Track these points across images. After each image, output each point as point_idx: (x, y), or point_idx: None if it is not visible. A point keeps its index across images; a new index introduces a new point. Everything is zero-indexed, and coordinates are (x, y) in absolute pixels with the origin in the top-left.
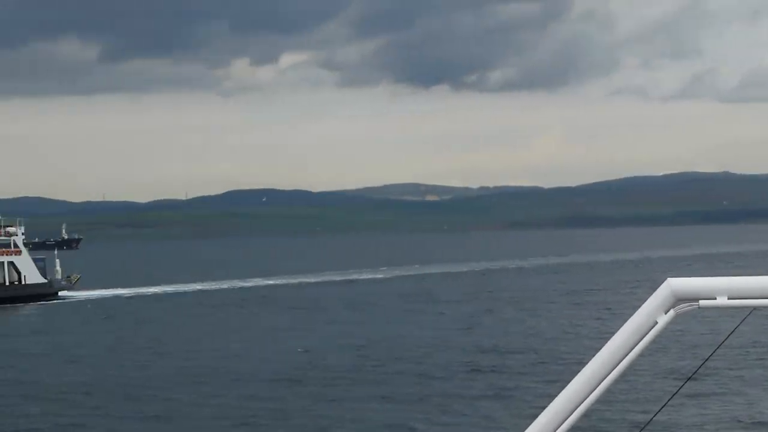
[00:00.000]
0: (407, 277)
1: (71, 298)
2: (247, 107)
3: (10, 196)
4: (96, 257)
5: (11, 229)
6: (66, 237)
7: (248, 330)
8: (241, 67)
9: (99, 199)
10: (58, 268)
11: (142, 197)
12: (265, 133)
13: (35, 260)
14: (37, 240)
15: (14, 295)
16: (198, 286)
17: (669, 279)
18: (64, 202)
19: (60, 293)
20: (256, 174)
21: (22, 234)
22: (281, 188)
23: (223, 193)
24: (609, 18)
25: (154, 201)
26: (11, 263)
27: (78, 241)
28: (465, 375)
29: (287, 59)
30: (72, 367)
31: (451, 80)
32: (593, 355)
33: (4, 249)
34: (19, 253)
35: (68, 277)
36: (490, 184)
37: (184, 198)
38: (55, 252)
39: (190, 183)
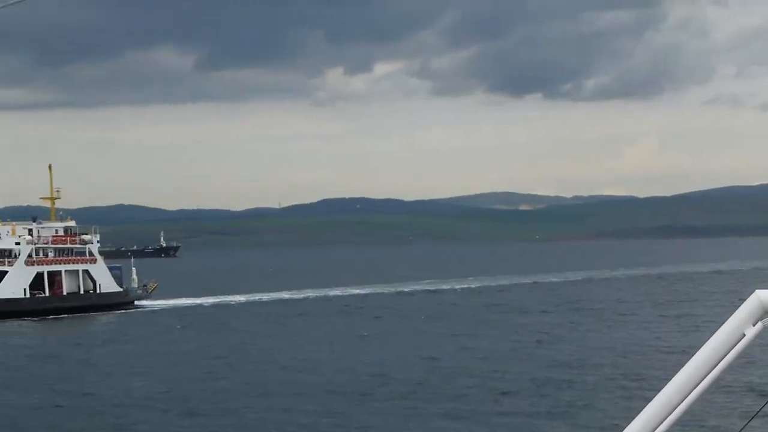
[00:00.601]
0: (493, 287)
1: (148, 307)
2: (341, 116)
3: (107, 204)
4: (192, 265)
5: (86, 237)
6: (164, 245)
7: (325, 340)
8: (335, 76)
9: (194, 207)
10: (134, 276)
11: (237, 205)
12: (358, 142)
13: (112, 268)
14: (135, 248)
15: (89, 303)
16: (284, 295)
17: (757, 291)
18: (160, 210)
19: (136, 302)
20: (349, 183)
21: (98, 242)
22: (374, 197)
23: (317, 202)
24: (705, 26)
25: (249, 209)
26: (86, 271)
27: (176, 248)
28: (538, 390)
29: (381, 68)
30: (138, 379)
31: (545, 89)
32: (678, 369)
33: (79, 257)
34: (95, 261)
35: (144, 285)
36: (584, 193)
37: (278, 206)
38: (132, 261)
39: (285, 191)
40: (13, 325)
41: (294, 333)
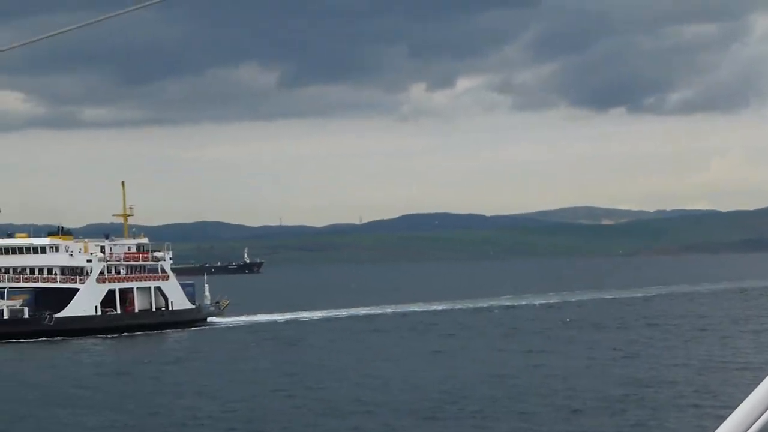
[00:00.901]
0: (572, 303)
1: (220, 324)
2: (424, 132)
3: (191, 221)
4: (275, 281)
5: (159, 254)
6: (248, 261)
7: (397, 357)
8: (418, 91)
9: (276, 223)
10: (207, 293)
11: (318, 221)
12: (440, 158)
13: (184, 285)
14: (219, 264)
15: (161, 321)
16: (362, 311)
17: None
18: (242, 227)
19: (209, 319)
20: (431, 198)
21: (170, 259)
22: (455, 212)
23: (398, 217)
24: None
25: (330, 225)
26: (158, 288)
27: (260, 265)
28: (609, 408)
29: (463, 83)
30: (206, 397)
31: (629, 103)
32: (754, 386)
33: (151, 274)
34: (167, 278)
35: (217, 302)
36: (667, 207)
37: (359, 222)
38: (205, 277)
39: (366, 207)
40: (84, 342)
41: (367, 349)
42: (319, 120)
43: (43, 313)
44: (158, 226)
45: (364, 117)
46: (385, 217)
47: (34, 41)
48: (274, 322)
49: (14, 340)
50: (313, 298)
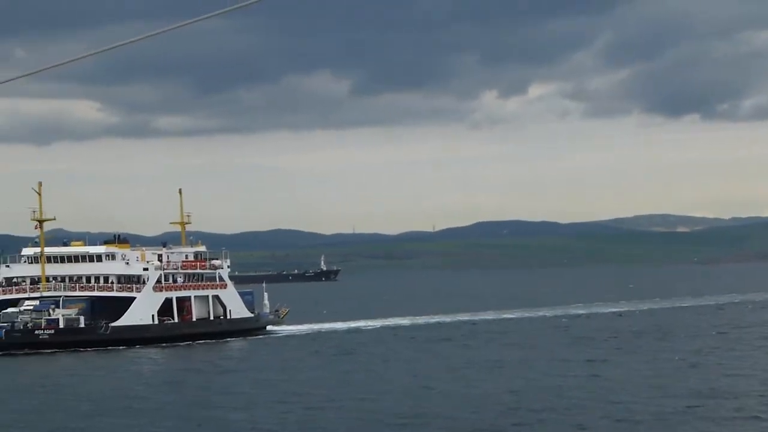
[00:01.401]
0: (644, 312)
1: (279, 332)
2: (496, 139)
3: (266, 229)
4: (349, 289)
5: (216, 262)
6: (325, 269)
7: (456, 367)
8: (490, 98)
9: (350, 231)
10: (266, 301)
11: (392, 229)
12: (513, 165)
13: (243, 294)
14: (296, 271)
15: (218, 330)
16: (432, 319)
17: None
18: (316, 234)
19: (268, 327)
20: (504, 206)
21: (228, 267)
22: (528, 219)
23: (472, 225)
24: None
25: (403, 233)
26: (216, 297)
27: (336, 272)
28: (664, 421)
29: (536, 90)
30: (256, 408)
31: (702, 109)
32: None
33: (209, 282)
34: (225, 286)
35: (276, 310)
36: (743, 215)
37: (432, 230)
38: (264, 286)
39: (439, 215)
40: (140, 352)
41: (428, 359)
42: (392, 128)
43: (99, 322)
44: (233, 234)
45: (436, 125)
46: (459, 225)
47: (106, 49)
48: (336, 331)
49: (70, 350)
50: (383, 305)
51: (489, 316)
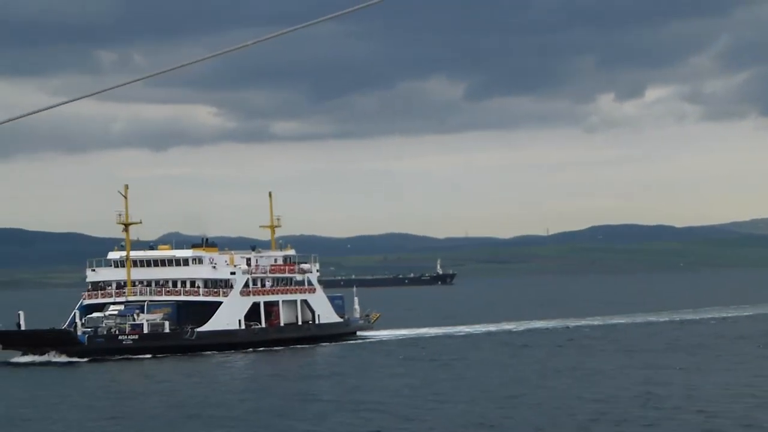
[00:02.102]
0: (756, 317)
1: (370, 337)
2: (612, 142)
3: (378, 233)
4: (464, 293)
5: (305, 266)
6: (441, 272)
7: (547, 375)
8: (606, 102)
9: (462, 235)
10: (356, 306)
11: (505, 233)
12: (629, 168)
13: (333, 298)
14: (412, 275)
15: (307, 335)
16: (534, 324)
17: None
18: (428, 238)
19: (358, 333)
20: (619, 209)
21: (317, 271)
22: (644, 223)
23: (586, 229)
24: None
25: (517, 237)
26: (304, 301)
27: (452, 276)
28: None
29: (653, 93)
30: (341, 414)
31: None
32: None
33: (298, 287)
34: (314, 291)
35: (367, 315)
36: None
37: (545, 234)
38: (354, 290)
39: (553, 218)
40: (226, 357)
41: (520, 365)
42: (506, 132)
43: (185, 328)
44: (345, 239)
45: (551, 128)
46: (574, 229)
47: (222, 53)
48: (428, 336)
49: (155, 355)
50: (490, 309)
51: (595, 321)
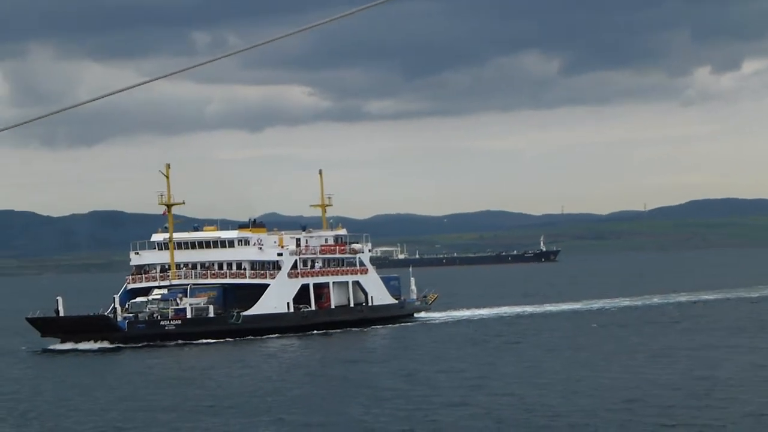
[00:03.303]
0: None
1: (427, 320)
2: (709, 116)
3: (474, 210)
4: (567, 269)
5: (357, 246)
6: (544, 249)
7: (612, 355)
8: (702, 75)
9: (558, 211)
10: (413, 287)
11: (602, 209)
12: (726, 142)
13: (389, 279)
14: (515, 252)
15: (359, 317)
16: (623, 302)
17: None
18: (524, 215)
19: (416, 314)
20: (717, 184)
21: (369, 251)
22: (743, 197)
23: (685, 203)
24: None
25: (614, 213)
26: (356, 283)
27: (556, 253)
28: None
29: (750, 66)
30: (376, 406)
31: None
32: None
33: (348, 267)
34: (366, 271)
35: (424, 296)
36: None
37: (643, 209)
38: (410, 270)
39: (650, 194)
40: (273, 342)
41: (590, 347)
42: (602, 107)
43: (231, 311)
44: (441, 216)
45: (647, 102)
46: (672, 204)
47: (308, 28)
48: (494, 317)
49: (199, 341)
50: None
51: (683, 298)
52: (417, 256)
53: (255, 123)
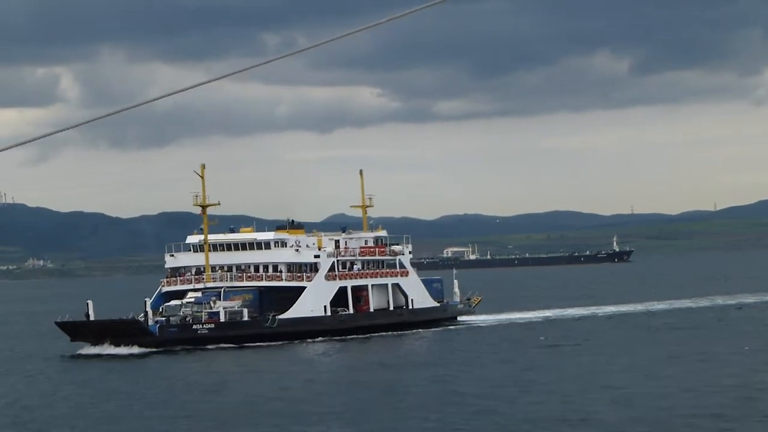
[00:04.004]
0: None
1: (471, 323)
2: None
3: (542, 211)
4: (639, 270)
5: (397, 248)
6: (617, 249)
7: (656, 363)
8: None
9: (627, 211)
10: (456, 289)
11: (672, 209)
12: None
13: (431, 281)
14: (588, 253)
15: (399, 321)
16: (682, 303)
17: None
18: (593, 215)
19: (459, 318)
20: None
21: (410, 253)
22: None
23: (755, 203)
24: None
25: (684, 212)
26: (396, 285)
27: (629, 253)
28: None
29: None
30: (422, 410)
31: None
32: None
33: (389, 270)
34: (406, 274)
35: (468, 299)
36: None
37: (713, 209)
38: (454, 272)
39: (720, 193)
40: (310, 346)
41: (629, 353)
42: (672, 106)
43: (266, 315)
44: (510, 216)
45: (717, 102)
46: (742, 203)
47: (372, 25)
48: (539, 320)
49: (233, 345)
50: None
51: (750, 299)
52: (488, 257)
53: (324, 124)
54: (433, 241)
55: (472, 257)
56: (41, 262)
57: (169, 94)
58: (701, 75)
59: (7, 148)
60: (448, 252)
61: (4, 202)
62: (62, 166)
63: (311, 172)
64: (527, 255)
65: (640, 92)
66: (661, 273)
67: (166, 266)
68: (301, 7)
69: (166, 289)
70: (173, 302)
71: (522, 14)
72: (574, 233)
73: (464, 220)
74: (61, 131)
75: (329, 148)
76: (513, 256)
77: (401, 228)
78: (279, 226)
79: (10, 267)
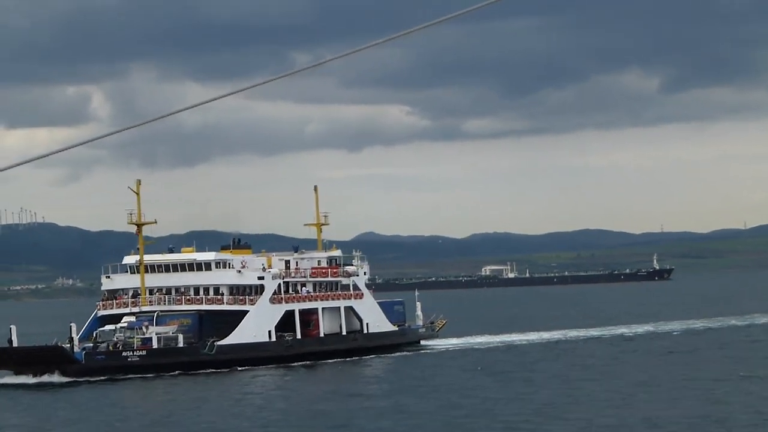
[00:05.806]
0: None
1: (433, 348)
2: None
3: (572, 229)
4: (677, 289)
5: (351, 269)
6: (657, 267)
7: (630, 391)
8: None
9: (657, 230)
10: (418, 312)
11: (702, 227)
12: None
13: (392, 303)
14: (628, 271)
15: (352, 346)
16: (692, 324)
17: None
18: (623, 234)
19: (422, 342)
20: None
21: (365, 273)
22: None
23: None
24: None
25: (714, 231)
26: (350, 308)
27: (670, 271)
28: None
29: None
30: None
31: None
32: None
33: (341, 292)
34: (361, 296)
35: (431, 322)
36: None
37: (743, 227)
38: (416, 293)
39: (751, 211)
40: (250, 374)
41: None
42: (702, 123)
43: (204, 341)
44: (537, 235)
45: (748, 120)
46: None
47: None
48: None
49: (166, 374)
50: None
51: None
52: (527, 275)
53: (354, 143)
54: (464, 259)
55: (511, 275)
56: (70, 281)
57: (193, 106)
58: (730, 93)
59: (19, 164)
60: (486, 270)
61: (34, 221)
62: (93, 184)
63: (340, 190)
64: (566, 273)
65: (669, 110)
66: (704, 291)
67: (102, 288)
68: (331, 26)
69: (101, 312)
70: (108, 327)
71: (551, 32)
72: (603, 252)
73: (493, 238)
74: (73, 147)
75: (358, 166)
76: (552, 275)
77: (429, 246)
78: (223, 245)
79: (39, 286)
